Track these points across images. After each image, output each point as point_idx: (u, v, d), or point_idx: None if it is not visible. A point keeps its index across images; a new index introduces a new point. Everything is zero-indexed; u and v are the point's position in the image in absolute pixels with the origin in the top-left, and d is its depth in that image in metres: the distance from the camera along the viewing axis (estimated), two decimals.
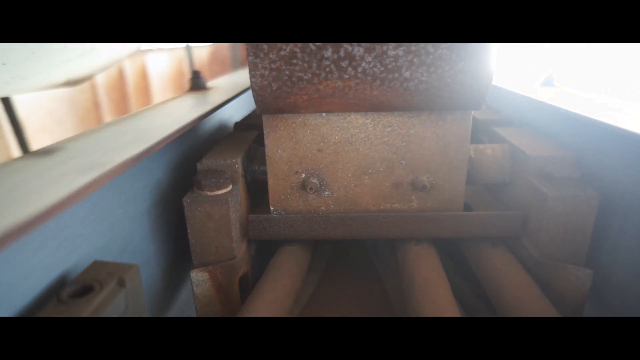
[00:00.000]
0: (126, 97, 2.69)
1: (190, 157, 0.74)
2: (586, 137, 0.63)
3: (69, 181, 0.39)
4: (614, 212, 0.57)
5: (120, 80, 2.66)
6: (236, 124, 0.86)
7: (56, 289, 0.39)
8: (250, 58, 0.50)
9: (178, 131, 0.58)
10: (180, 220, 0.69)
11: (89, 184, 0.39)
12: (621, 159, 0.56)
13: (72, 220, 0.42)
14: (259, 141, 0.74)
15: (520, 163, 0.61)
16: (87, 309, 0.34)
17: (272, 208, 0.62)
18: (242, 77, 1.33)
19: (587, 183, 0.57)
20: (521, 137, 0.67)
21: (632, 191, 0.54)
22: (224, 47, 3.56)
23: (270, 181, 0.61)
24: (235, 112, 1.09)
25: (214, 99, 0.86)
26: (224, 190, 0.56)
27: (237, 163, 0.59)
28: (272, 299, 0.52)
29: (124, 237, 0.52)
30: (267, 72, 0.51)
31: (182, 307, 0.70)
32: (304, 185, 0.60)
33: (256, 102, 0.54)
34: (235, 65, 3.51)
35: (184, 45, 3.04)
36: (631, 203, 0.54)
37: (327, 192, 0.61)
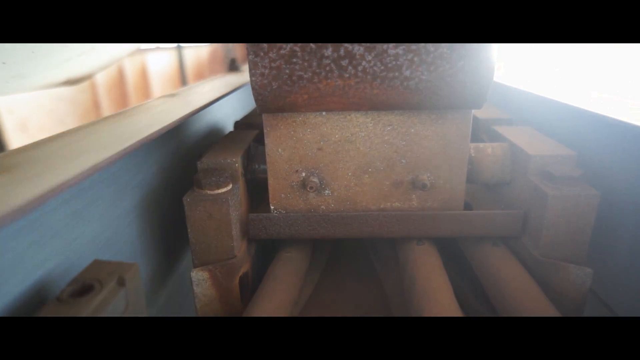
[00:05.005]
0: (126, 96, 2.69)
1: (180, 156, 0.74)
2: (589, 131, 0.62)
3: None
4: (614, 212, 0.57)
5: (120, 80, 2.66)
6: (236, 122, 0.86)
7: (46, 287, 0.39)
8: (250, 57, 0.50)
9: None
10: (171, 219, 0.69)
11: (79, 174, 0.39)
12: (623, 154, 0.55)
13: (63, 217, 0.42)
14: (259, 140, 0.74)
15: (521, 162, 0.61)
16: (87, 308, 0.34)
17: (272, 207, 0.62)
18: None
19: (588, 181, 0.57)
20: (521, 136, 0.66)
21: (632, 190, 0.54)
22: (222, 48, 3.56)
23: (271, 180, 0.61)
24: (225, 116, 1.10)
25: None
26: (224, 189, 0.55)
27: (237, 162, 0.58)
28: (270, 310, 0.52)
29: (114, 235, 0.52)
30: (267, 71, 0.51)
31: (186, 308, 0.70)
32: (304, 184, 0.60)
33: (256, 100, 0.54)
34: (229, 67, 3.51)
35: (180, 45, 3.03)
36: (631, 202, 0.54)
37: (327, 191, 0.61)
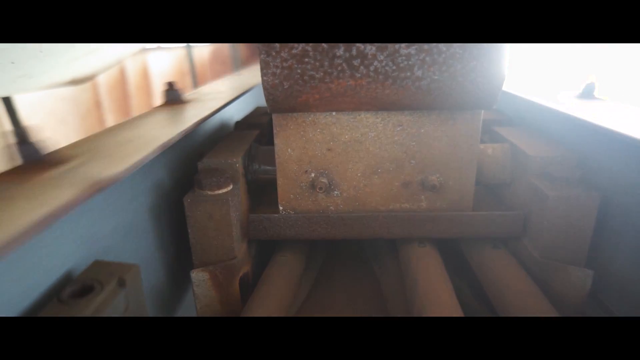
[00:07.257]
0: (127, 97, 2.69)
1: (192, 156, 0.74)
2: (587, 141, 0.62)
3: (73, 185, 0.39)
4: (614, 213, 0.57)
5: (121, 80, 2.66)
6: (237, 123, 0.86)
7: (58, 290, 0.39)
8: (261, 56, 0.50)
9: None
10: (182, 220, 0.68)
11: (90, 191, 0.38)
12: (621, 163, 0.55)
13: (75, 222, 0.41)
14: (260, 140, 0.74)
15: (521, 163, 0.61)
16: (88, 309, 0.33)
17: (280, 207, 0.61)
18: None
19: (588, 184, 0.57)
20: (522, 137, 0.66)
21: (632, 192, 0.53)
22: (225, 47, 3.55)
23: (280, 180, 0.60)
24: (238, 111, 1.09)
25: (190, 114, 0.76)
26: (224, 190, 0.55)
27: (237, 162, 0.58)
28: (265, 315, 0.52)
29: (127, 238, 0.52)
30: (278, 71, 0.50)
31: (187, 307, 0.70)
32: (313, 185, 0.60)
33: (267, 100, 0.53)
34: (237, 66, 3.49)
35: (190, 44, 3.02)
36: (631, 204, 0.54)
37: (336, 192, 0.60)
